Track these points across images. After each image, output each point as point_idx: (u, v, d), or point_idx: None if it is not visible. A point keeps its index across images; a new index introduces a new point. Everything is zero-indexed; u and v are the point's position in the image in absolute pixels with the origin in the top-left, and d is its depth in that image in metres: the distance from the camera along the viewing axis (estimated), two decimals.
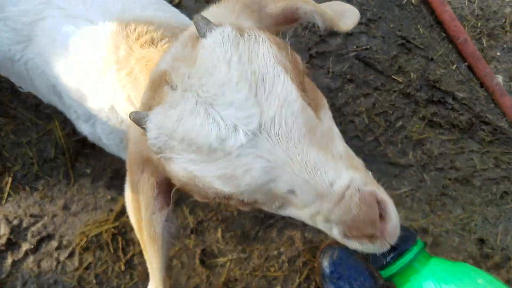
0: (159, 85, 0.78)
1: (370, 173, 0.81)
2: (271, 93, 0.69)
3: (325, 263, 1.84)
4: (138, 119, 0.77)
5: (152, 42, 1.02)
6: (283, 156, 0.67)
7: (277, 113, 0.68)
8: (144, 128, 0.76)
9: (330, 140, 0.75)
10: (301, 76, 0.76)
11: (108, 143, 1.26)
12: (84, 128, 1.29)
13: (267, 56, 0.71)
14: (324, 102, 0.84)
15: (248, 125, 0.67)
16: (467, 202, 2.05)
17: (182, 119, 0.70)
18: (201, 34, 0.74)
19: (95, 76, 1.13)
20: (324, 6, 0.99)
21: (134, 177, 0.86)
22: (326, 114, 0.80)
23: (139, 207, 0.86)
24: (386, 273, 0.80)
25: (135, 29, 1.05)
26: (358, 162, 0.80)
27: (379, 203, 0.69)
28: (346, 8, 1.05)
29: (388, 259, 0.77)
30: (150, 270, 0.92)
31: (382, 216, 0.69)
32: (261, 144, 0.67)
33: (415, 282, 0.75)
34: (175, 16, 1.27)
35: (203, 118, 0.68)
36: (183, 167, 0.72)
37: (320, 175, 0.67)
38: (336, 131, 0.80)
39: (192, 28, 0.79)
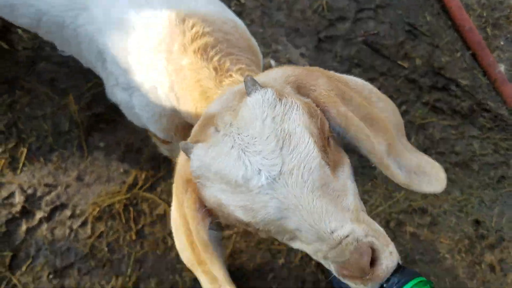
0: (207, 124, 0.92)
1: (377, 225, 0.86)
2: (295, 150, 0.81)
3: None
4: (186, 149, 0.92)
5: (205, 50, 1.14)
6: (294, 201, 0.79)
7: (296, 166, 0.80)
8: (189, 157, 0.91)
9: (342, 194, 0.85)
10: (324, 140, 0.87)
11: (141, 114, 1.35)
12: (119, 96, 1.37)
13: (297, 120, 0.83)
14: (344, 161, 0.92)
15: (270, 171, 0.80)
16: (466, 185, 2.13)
17: (218, 157, 0.85)
18: (247, 92, 0.87)
19: (146, 53, 1.22)
20: (381, 140, 0.95)
21: (179, 196, 0.98)
22: (344, 172, 0.90)
23: (186, 221, 0.96)
24: None
25: (192, 27, 1.15)
26: (365, 216, 0.87)
27: (374, 251, 0.79)
28: (433, 168, 1.02)
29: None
30: (216, 276, 0.98)
31: (374, 262, 0.79)
32: (278, 188, 0.80)
33: None
34: (224, 12, 1.38)
35: (235, 159, 0.83)
36: (213, 194, 0.86)
37: (324, 223, 0.78)
38: (351, 187, 0.89)
39: (242, 85, 0.92)
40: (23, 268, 1.97)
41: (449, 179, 2.14)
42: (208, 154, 0.86)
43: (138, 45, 1.24)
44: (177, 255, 1.97)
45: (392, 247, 0.81)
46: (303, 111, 0.85)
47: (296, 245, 0.87)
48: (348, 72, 2.20)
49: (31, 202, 2.01)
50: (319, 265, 2.05)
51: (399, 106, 2.19)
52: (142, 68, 1.24)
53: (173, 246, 2.02)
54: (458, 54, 2.25)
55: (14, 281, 1.95)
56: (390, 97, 2.18)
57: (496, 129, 2.18)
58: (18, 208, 2.00)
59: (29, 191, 2.02)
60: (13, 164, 2.03)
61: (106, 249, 1.99)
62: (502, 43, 2.30)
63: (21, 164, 2.03)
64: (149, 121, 1.39)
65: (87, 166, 2.06)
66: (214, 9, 1.30)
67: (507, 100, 2.17)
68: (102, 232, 2.00)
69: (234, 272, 2.01)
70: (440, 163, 2.14)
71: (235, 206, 0.83)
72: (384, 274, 0.77)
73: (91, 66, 1.51)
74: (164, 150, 1.95)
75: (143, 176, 2.07)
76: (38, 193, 2.02)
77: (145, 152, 2.08)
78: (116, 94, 1.42)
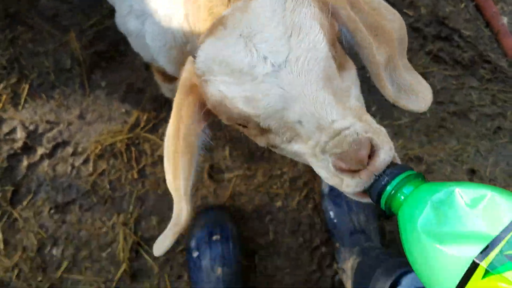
0: (216, 25, 0.90)
1: (383, 130, 0.85)
2: (303, 40, 0.80)
3: (324, 182, 1.95)
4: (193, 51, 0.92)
5: None
6: (298, 89, 0.78)
7: (303, 54, 0.79)
8: (194, 56, 0.90)
9: (346, 95, 0.85)
10: (334, 38, 0.86)
11: (152, 44, 1.34)
12: (132, 24, 1.35)
13: (308, 13, 0.83)
14: (351, 66, 0.93)
15: (276, 58, 0.79)
16: (462, 135, 2.17)
17: (225, 47, 0.84)
18: None
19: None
20: (385, 53, 0.97)
21: (179, 102, 0.98)
22: (350, 76, 0.90)
23: (178, 128, 0.96)
24: (383, 200, 0.77)
25: None
26: (367, 116, 0.86)
27: (373, 146, 0.77)
28: (422, 89, 1.04)
29: (383, 182, 0.76)
30: (175, 187, 0.98)
31: (372, 156, 0.77)
32: (282, 76, 0.78)
33: (410, 199, 0.70)
34: None
35: (241, 48, 0.82)
36: (217, 88, 0.85)
37: (325, 112, 0.77)
38: (354, 93, 0.88)
39: None
40: (24, 203, 2.00)
41: (447, 129, 2.18)
42: (215, 46, 0.86)
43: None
44: None
45: (391, 145, 0.81)
46: (314, 6, 0.84)
47: (295, 147, 0.87)
48: None
49: (32, 139, 2.02)
50: (315, 208, 2.10)
51: None
52: None
53: None
54: (462, 5, 2.25)
55: (15, 215, 1.99)
56: None
57: (495, 81, 2.20)
58: (19, 144, 2.01)
59: (31, 128, 2.03)
60: (14, 100, 2.03)
61: (108, 186, 2.02)
62: None
63: (22, 100, 2.03)
64: (160, 51, 1.37)
65: (89, 104, 2.06)
66: None
67: (508, 52, 2.18)
68: (104, 170, 2.03)
69: (234, 213, 2.06)
70: (439, 113, 2.19)
71: (239, 97, 0.82)
72: (381, 165, 0.76)
73: None
74: (166, 90, 1.96)
75: (145, 117, 2.08)
76: (40, 130, 2.03)
77: (147, 92, 2.08)
78: (128, 23, 1.40)
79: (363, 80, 2.11)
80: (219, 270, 1.87)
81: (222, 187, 2.08)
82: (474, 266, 0.46)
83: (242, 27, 0.84)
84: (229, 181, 2.10)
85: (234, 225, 1.98)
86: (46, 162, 2.02)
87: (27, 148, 2.02)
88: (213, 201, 2.07)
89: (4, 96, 2.02)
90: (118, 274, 1.97)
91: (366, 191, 0.80)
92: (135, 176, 2.03)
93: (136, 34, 1.41)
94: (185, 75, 0.99)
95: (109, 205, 2.02)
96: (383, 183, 0.75)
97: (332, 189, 2.02)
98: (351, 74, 0.92)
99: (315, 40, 0.81)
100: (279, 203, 2.10)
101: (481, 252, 0.47)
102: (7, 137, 2.01)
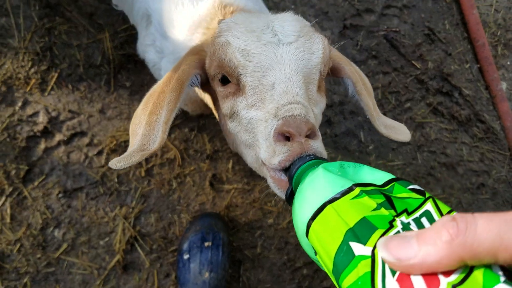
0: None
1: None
2: (308, 44, 1.02)
3: None
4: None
5: None
6: (286, 63, 0.98)
7: (302, 49, 1.01)
8: (220, 21, 1.13)
9: (311, 102, 1.02)
10: (326, 70, 1.09)
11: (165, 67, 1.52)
12: (151, 55, 1.55)
13: (319, 40, 1.05)
14: (324, 100, 1.13)
15: (284, 38, 1.01)
16: (448, 185, 2.34)
17: (249, 17, 1.07)
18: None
19: (186, 27, 1.36)
20: (370, 101, 1.21)
21: (185, 56, 1.17)
22: (321, 100, 1.10)
23: (173, 74, 1.12)
24: (297, 176, 0.82)
25: (231, 13, 1.30)
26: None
27: (312, 133, 0.91)
28: (401, 127, 1.30)
29: (307, 158, 0.85)
30: (149, 120, 1.08)
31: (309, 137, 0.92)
32: (281, 49, 0.99)
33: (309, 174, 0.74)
34: (261, 9, 1.54)
35: (262, 21, 1.04)
36: (225, 38, 1.03)
37: (295, 88, 0.96)
38: (316, 111, 1.06)
39: None
40: (35, 183, 2.13)
41: (435, 177, 2.35)
42: (243, 15, 1.09)
43: (182, 19, 1.39)
44: (179, 197, 2.15)
45: (324, 149, 0.94)
46: (323, 43, 1.06)
47: (252, 113, 1.00)
48: (365, 62, 2.36)
49: (53, 124, 2.16)
50: None
51: (404, 102, 2.37)
52: (179, 38, 1.39)
53: (176, 189, 2.20)
54: (467, 66, 2.42)
55: (25, 193, 2.11)
56: (398, 92, 2.37)
57: (486, 140, 2.38)
58: (40, 127, 2.14)
59: (53, 114, 2.16)
60: (42, 86, 2.16)
61: (116, 179, 2.16)
62: (508, 63, 2.47)
63: (49, 87, 2.16)
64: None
65: (111, 101, 2.20)
66: (252, 5, 1.45)
67: (502, 116, 2.36)
68: None
69: (227, 222, 2.20)
70: (430, 161, 2.36)
71: (239, 48, 1.00)
72: (311, 147, 0.88)
73: (136, 23, 1.66)
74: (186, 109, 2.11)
75: None
76: (61, 117, 2.16)
77: None
78: (148, 53, 1.58)
79: (365, 120, 2.27)
80: (206, 275, 2.01)
81: (221, 197, 2.23)
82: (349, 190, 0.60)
83: (269, 16, 1.08)
84: (227, 192, 2.25)
85: (226, 234, 2.13)
86: (62, 148, 2.15)
87: (47, 133, 2.15)
88: (210, 208, 2.21)
89: (33, 80, 2.15)
90: (112, 263, 2.11)
91: (286, 171, 0.89)
92: (143, 174, 2.17)
93: (152, 65, 1.59)
94: (195, 46, 1.19)
95: (114, 197, 2.15)
96: (307, 158, 0.84)
97: None
98: (322, 101, 1.12)
99: (315, 50, 1.03)
100: (270, 220, 2.25)
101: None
102: (30, 119, 2.14)
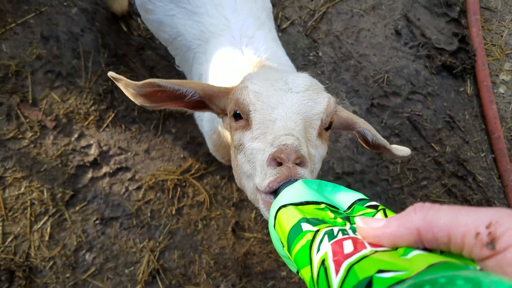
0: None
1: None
2: (314, 97, 1.20)
3: None
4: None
5: None
6: (289, 105, 1.15)
7: (307, 99, 1.18)
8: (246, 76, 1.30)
9: (310, 144, 1.18)
10: (327, 122, 1.24)
11: (204, 134, 1.80)
12: (196, 115, 1.85)
13: (325, 96, 1.23)
14: (325, 147, 1.29)
15: (293, 88, 1.19)
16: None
17: (268, 71, 1.30)
18: None
19: (227, 73, 1.62)
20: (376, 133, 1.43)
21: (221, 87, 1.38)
22: (319, 149, 1.24)
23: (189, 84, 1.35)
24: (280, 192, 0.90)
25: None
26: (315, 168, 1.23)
27: (302, 163, 1.03)
28: (403, 148, 1.53)
29: (292, 180, 0.94)
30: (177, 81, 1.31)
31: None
32: (288, 95, 1.17)
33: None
34: (286, 63, 1.77)
35: (277, 74, 1.25)
36: (245, 84, 1.22)
37: (290, 123, 1.10)
38: (316, 155, 1.22)
39: None
40: (77, 208, 2.36)
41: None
42: (264, 70, 1.32)
43: (225, 66, 1.64)
44: (202, 238, 2.34)
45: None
46: (329, 99, 1.23)
47: (255, 144, 1.15)
48: (387, 138, 2.59)
49: (102, 157, 2.42)
50: None
51: (421, 180, 2.56)
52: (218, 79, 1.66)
53: (201, 230, 2.39)
54: (483, 154, 2.62)
55: (66, 216, 2.33)
56: (416, 170, 2.56)
57: None
58: (90, 158, 2.40)
59: (104, 148, 2.43)
60: (99, 122, 2.45)
61: (149, 214, 2.37)
62: None
63: (105, 124, 2.45)
64: (207, 139, 1.84)
65: (157, 143, 2.46)
66: (283, 68, 1.70)
67: None
68: (150, 200, 2.38)
69: (243, 268, 2.36)
70: None
71: (253, 90, 1.18)
72: (297, 174, 0.98)
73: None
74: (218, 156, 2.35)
75: (197, 166, 2.46)
76: (111, 152, 2.43)
77: (204, 147, 2.48)
78: (194, 114, 1.86)
79: (383, 191, 2.42)
80: None
81: (240, 244, 2.40)
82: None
83: (288, 73, 1.28)
84: (247, 240, 2.42)
85: (238, 279, 2.27)
86: (106, 180, 2.40)
87: (95, 164, 2.41)
88: (229, 253, 2.38)
89: (91, 117, 2.44)
90: None
91: (275, 192, 1.00)
92: (173, 212, 2.38)
93: (197, 116, 1.89)
94: (231, 87, 1.38)
95: (145, 230, 2.35)
96: (292, 180, 0.95)
97: None
98: (323, 147, 1.26)
99: (319, 101, 1.20)
100: (284, 273, 2.39)
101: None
102: (82, 150, 2.41)
